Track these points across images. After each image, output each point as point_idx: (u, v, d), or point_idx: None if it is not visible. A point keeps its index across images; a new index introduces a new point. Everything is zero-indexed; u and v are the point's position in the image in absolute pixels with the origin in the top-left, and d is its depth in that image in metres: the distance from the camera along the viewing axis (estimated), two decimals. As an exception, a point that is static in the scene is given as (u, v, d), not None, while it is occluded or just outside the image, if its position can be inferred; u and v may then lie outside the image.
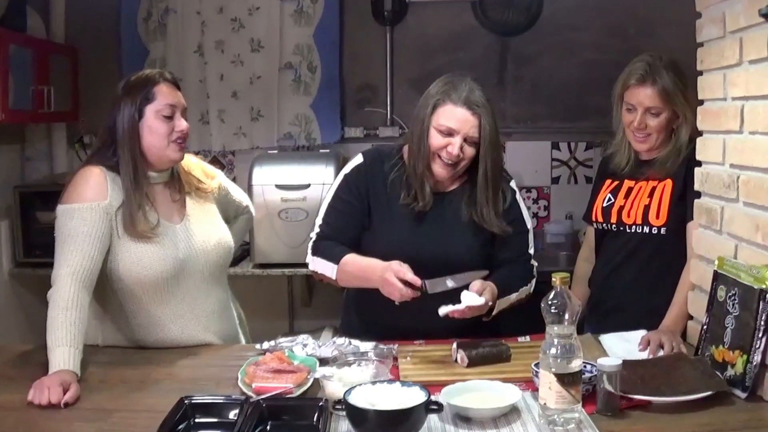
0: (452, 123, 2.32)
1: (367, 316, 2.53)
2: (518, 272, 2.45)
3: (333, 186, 2.52)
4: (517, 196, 2.51)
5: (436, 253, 2.35)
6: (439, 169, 2.37)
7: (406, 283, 2.18)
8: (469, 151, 2.35)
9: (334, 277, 2.39)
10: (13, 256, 4.04)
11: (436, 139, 2.34)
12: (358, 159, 2.51)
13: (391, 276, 2.19)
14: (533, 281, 2.48)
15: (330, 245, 2.42)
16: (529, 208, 4.38)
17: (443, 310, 2.17)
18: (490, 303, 2.24)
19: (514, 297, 2.40)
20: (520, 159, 4.45)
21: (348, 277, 2.39)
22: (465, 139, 2.33)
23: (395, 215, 2.41)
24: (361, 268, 2.34)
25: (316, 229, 2.48)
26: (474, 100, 2.32)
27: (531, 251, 2.50)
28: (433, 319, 2.20)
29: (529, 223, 2.52)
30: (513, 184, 2.53)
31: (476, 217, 2.41)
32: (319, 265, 2.42)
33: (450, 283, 2.21)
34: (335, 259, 2.37)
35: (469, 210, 2.42)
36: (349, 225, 2.45)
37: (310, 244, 2.47)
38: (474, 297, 2.18)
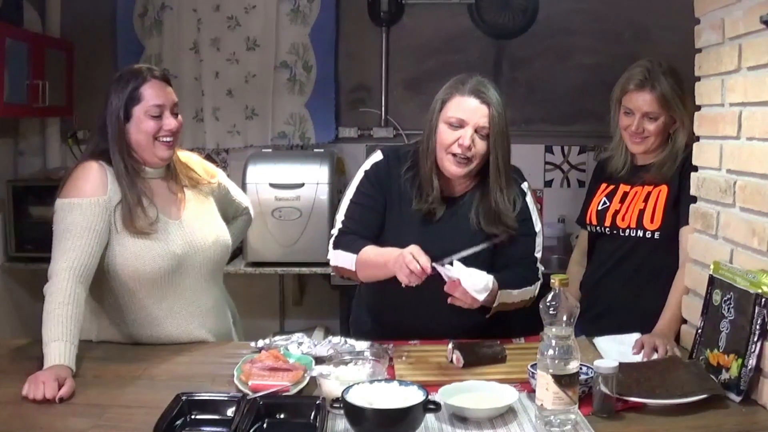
0: (461, 113, 2.29)
1: (380, 315, 2.51)
2: (521, 272, 2.39)
3: (353, 182, 2.48)
4: (528, 198, 2.45)
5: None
6: (452, 166, 2.32)
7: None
8: (481, 144, 2.30)
9: (353, 268, 2.34)
10: (4, 251, 4.02)
11: (446, 135, 2.30)
12: (378, 156, 2.48)
13: (408, 255, 2.12)
14: (538, 284, 2.41)
15: (352, 238, 2.38)
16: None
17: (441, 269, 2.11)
18: (484, 297, 2.15)
19: (516, 294, 2.33)
20: (514, 161, 4.40)
21: (365, 266, 2.32)
22: (476, 131, 2.28)
23: (405, 218, 2.38)
24: (379, 253, 2.29)
25: (338, 225, 2.44)
26: (483, 90, 2.30)
27: (537, 255, 2.43)
28: (447, 321, 2.21)
29: (538, 227, 2.44)
30: (525, 186, 2.48)
31: (483, 221, 2.36)
32: (340, 258, 2.38)
33: (456, 259, 2.15)
34: (356, 250, 2.33)
35: (477, 215, 2.37)
36: (372, 219, 2.42)
37: (332, 239, 2.43)
38: (472, 274, 2.11)
